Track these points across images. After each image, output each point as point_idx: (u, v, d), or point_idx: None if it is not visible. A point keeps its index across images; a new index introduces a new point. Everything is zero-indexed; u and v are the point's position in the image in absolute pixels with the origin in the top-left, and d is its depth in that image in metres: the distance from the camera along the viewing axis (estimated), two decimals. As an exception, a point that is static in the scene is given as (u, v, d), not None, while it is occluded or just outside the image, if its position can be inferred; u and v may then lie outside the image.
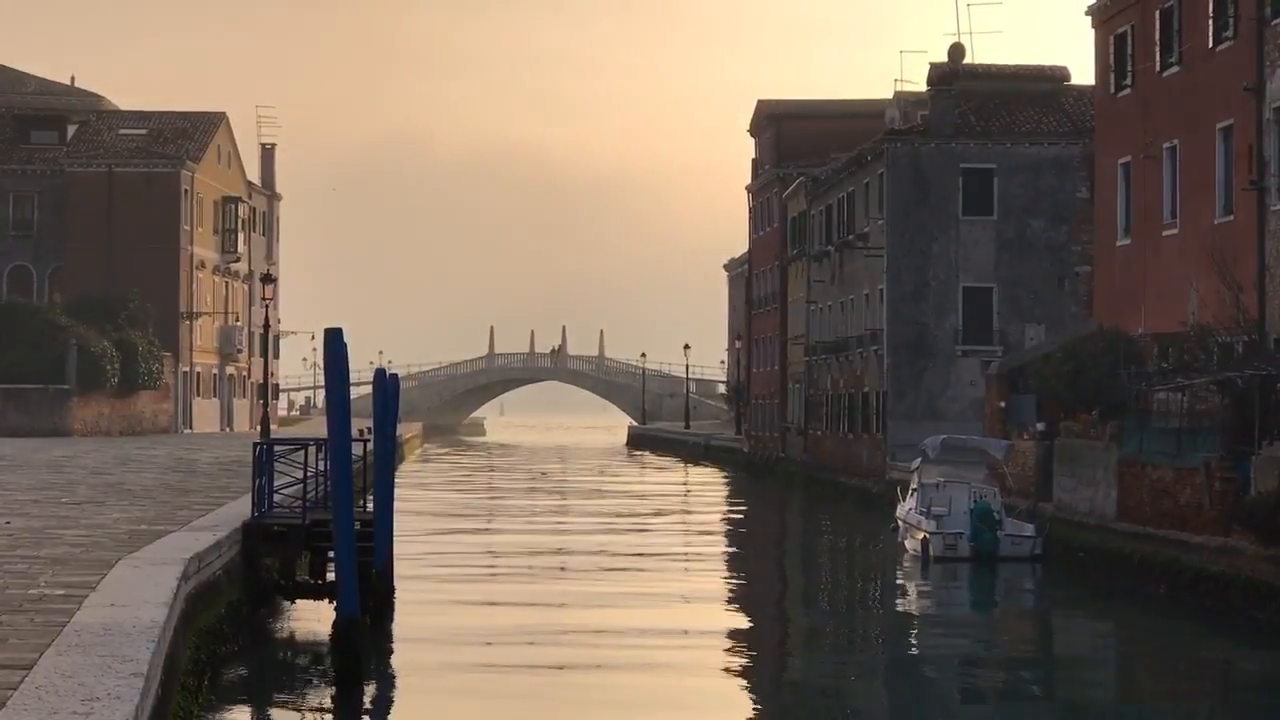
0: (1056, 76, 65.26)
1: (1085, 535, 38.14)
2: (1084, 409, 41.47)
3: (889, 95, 73.56)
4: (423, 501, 58.87)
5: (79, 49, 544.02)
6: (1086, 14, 48.25)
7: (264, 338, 75.17)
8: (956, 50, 66.85)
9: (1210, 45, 40.30)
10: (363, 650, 21.88)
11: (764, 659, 27.54)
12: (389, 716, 21.63)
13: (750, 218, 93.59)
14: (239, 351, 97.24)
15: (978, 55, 67.47)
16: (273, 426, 69.06)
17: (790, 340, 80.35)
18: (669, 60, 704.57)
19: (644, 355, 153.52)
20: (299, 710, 21.40)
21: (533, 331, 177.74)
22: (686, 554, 44.77)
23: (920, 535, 40.53)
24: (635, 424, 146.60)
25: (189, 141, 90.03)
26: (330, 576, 26.15)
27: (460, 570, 38.21)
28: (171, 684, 15.56)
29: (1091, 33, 48.25)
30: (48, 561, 19.66)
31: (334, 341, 21.45)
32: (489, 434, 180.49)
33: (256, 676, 23.31)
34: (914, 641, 30.52)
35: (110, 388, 78.13)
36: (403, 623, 28.13)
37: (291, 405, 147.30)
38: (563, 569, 39.44)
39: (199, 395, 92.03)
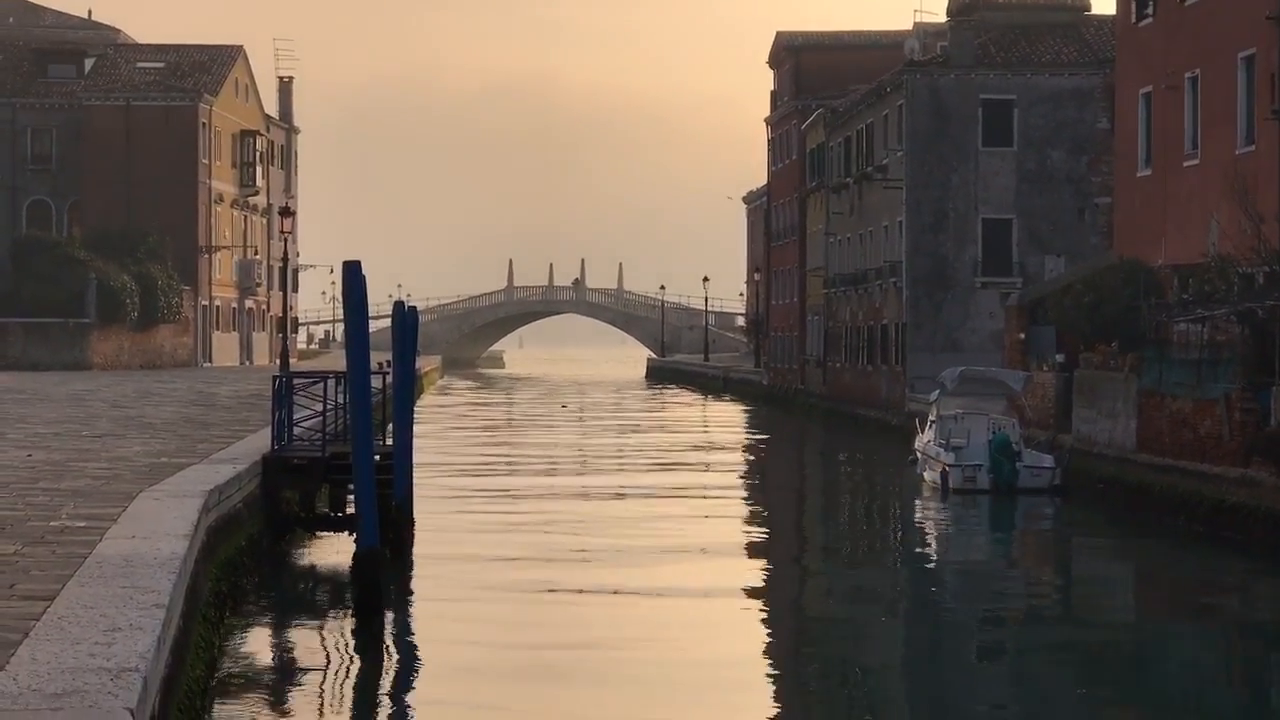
0: (1077, 6, 64.93)
1: (1104, 467, 38.13)
2: (1103, 340, 41.40)
3: (908, 26, 73.24)
4: (442, 433, 58.99)
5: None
6: (1108, -57, 47.93)
7: (283, 271, 75.18)
8: (976, -20, 66.43)
9: (1232, -26, 40.00)
10: (382, 582, 21.96)
11: (781, 593, 27.60)
12: (409, 647, 21.71)
13: (769, 150, 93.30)
14: (258, 285, 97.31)
15: (998, -15, 67.09)
16: (292, 360, 69.15)
17: (809, 272, 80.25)
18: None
19: (663, 288, 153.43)
20: (319, 641, 21.50)
21: (551, 264, 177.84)
22: (705, 486, 44.78)
23: (939, 467, 40.53)
24: (654, 356, 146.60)
25: (207, 75, 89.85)
26: (350, 509, 26.25)
27: (480, 502, 38.30)
28: (192, 615, 15.64)
29: (1113, -38, 47.94)
30: (69, 494, 19.74)
31: (352, 275, 21.42)
32: (508, 367, 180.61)
33: (277, 608, 23.42)
34: (932, 575, 30.55)
35: (130, 321, 78.32)
36: (422, 554, 28.21)
37: (310, 339, 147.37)
38: (582, 499, 39.48)
39: (218, 329, 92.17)
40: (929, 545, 34.41)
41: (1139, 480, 35.81)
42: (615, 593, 25.65)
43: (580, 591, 25.53)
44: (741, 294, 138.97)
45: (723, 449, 57.44)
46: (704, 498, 41.26)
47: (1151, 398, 36.59)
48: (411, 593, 25.44)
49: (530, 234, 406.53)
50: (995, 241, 59.87)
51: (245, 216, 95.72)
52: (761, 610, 25.23)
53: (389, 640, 21.60)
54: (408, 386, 28.54)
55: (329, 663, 20.18)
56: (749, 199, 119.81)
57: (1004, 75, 60.22)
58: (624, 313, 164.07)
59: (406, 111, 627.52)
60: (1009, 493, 39.14)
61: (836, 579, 29.28)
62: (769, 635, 23.13)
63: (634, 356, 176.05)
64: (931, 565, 31.49)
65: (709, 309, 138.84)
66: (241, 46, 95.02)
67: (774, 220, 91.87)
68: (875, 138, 65.88)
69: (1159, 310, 38.80)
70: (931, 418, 43.11)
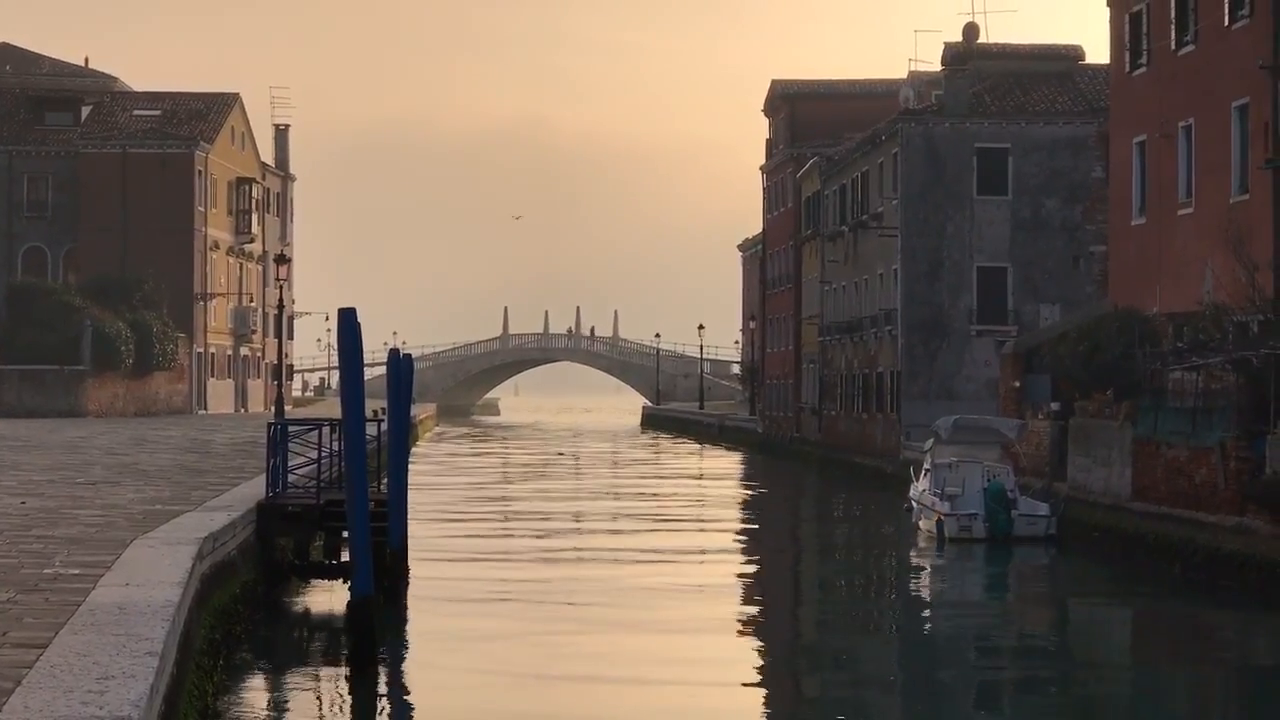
0: (1071, 55, 65.13)
1: (1099, 515, 38.09)
2: (1099, 389, 41.40)
3: (903, 75, 73.49)
4: (436, 483, 58.92)
5: (92, 30, 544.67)
6: (1101, -8, 48.07)
7: (278, 318, 75.31)
8: (971, 30, 66.75)
9: (1226, 23, 40.16)
10: (377, 630, 21.90)
11: (777, 641, 27.54)
12: (403, 696, 21.65)
13: (764, 198, 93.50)
14: (253, 332, 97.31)
15: (992, 34, 67.45)
16: (287, 407, 69.09)
17: (804, 320, 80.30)
18: (683, 40, 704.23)
19: (658, 335, 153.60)
20: (313, 690, 21.44)
21: (547, 312, 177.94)
22: (702, 533, 44.74)
23: (935, 516, 40.48)
24: (650, 404, 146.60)
25: (203, 122, 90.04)
26: (345, 556, 26.20)
27: (474, 550, 38.24)
28: (186, 663, 15.59)
29: (1106, 11, 48.11)
30: (63, 541, 19.69)
31: (348, 322, 21.43)
32: (503, 414, 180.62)
33: (271, 656, 23.35)
34: (928, 624, 30.49)
35: (125, 368, 78.25)
36: (417, 602, 28.16)
37: (306, 386, 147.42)
38: (577, 550, 39.44)
39: (213, 376, 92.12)
40: (925, 599, 34.30)
41: (1134, 528, 35.75)
42: (611, 647, 25.59)
43: (574, 645, 25.44)
44: (737, 342, 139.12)
45: (718, 496, 57.37)
46: (700, 552, 41.17)
47: (1146, 446, 36.58)
48: (406, 641, 25.38)
49: (526, 281, 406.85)
50: (990, 290, 59.94)
51: (241, 264, 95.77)
52: (758, 666, 25.15)
53: (383, 689, 21.53)
54: (403, 434, 28.53)
55: (323, 711, 20.13)
56: (744, 247, 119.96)
57: (998, 124, 60.40)
58: (620, 360, 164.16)
59: (402, 159, 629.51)
60: (1004, 541, 39.07)
61: (833, 634, 29.21)
62: (766, 692, 23.06)
63: (629, 404, 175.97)
64: (928, 620, 31.40)
65: (704, 357, 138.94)
66: (238, 94, 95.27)
67: (769, 268, 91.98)
68: (870, 186, 66.02)
69: (1154, 358, 38.83)
70: (926, 466, 43.06)
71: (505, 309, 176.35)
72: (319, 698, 20.94)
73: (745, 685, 22.70)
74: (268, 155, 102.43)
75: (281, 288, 71.65)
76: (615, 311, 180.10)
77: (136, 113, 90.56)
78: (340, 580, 26.44)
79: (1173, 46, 43.29)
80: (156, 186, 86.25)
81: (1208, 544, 32.08)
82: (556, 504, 52.33)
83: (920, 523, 42.33)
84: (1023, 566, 37.50)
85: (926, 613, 31.71)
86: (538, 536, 41.78)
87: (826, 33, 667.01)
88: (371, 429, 27.45)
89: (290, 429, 28.45)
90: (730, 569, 36.62)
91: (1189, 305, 40.57)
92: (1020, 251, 59.85)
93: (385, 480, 28.96)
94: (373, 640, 21.64)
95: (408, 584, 28.66)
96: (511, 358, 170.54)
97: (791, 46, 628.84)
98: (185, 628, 15.53)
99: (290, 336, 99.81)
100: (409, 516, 29.46)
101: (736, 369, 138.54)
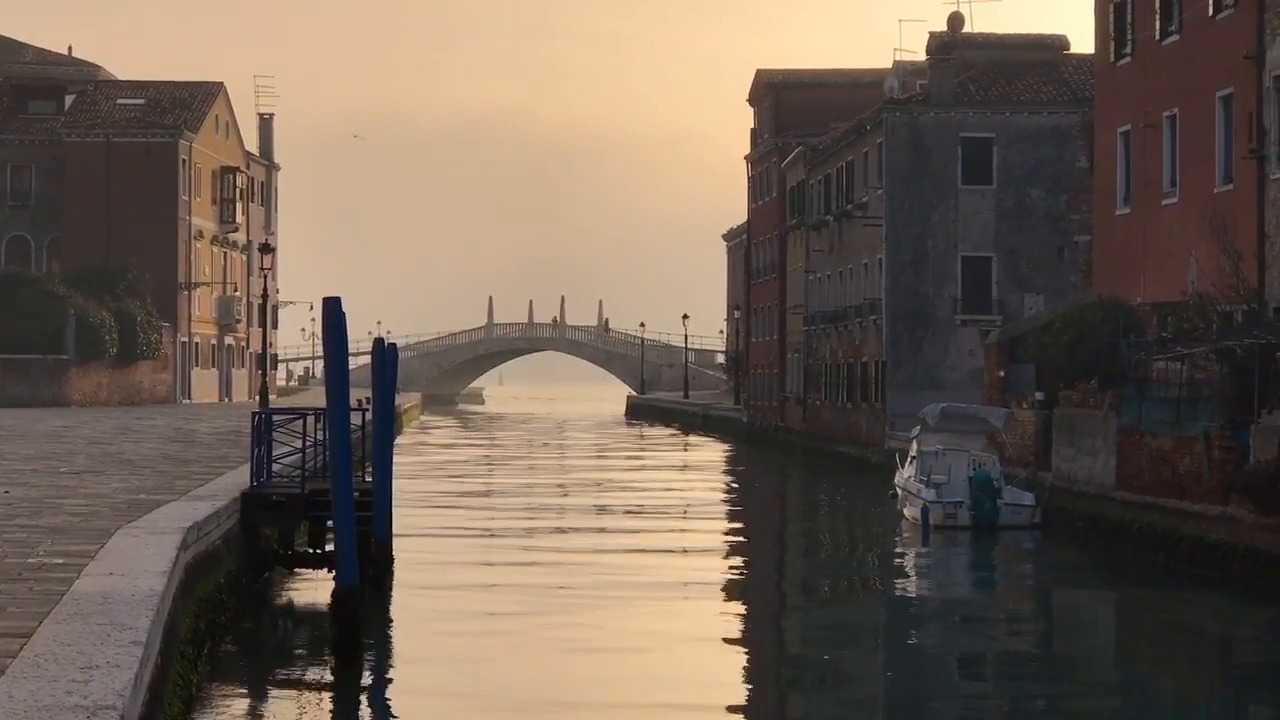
0: (1055, 45, 65.15)
1: (1084, 504, 38.16)
2: (1083, 378, 41.46)
3: (888, 64, 73.47)
4: (422, 472, 58.89)
5: (76, 18, 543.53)
6: (1086, -18, 48.07)
7: (262, 308, 75.19)
8: (955, 19, 66.81)
9: (1210, 13, 40.18)
10: (361, 620, 21.89)
11: (762, 627, 27.56)
12: (388, 686, 21.64)
13: (749, 187, 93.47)
14: (237, 322, 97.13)
15: (977, 24, 67.72)
16: (271, 396, 68.99)
17: (789, 310, 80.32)
18: (668, 29, 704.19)
19: (643, 325, 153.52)
20: (298, 680, 21.42)
21: (531, 301, 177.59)
22: (685, 526, 44.76)
23: (920, 503, 40.53)
24: (634, 394, 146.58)
25: (187, 111, 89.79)
26: (329, 546, 26.18)
27: (459, 540, 38.23)
28: (170, 653, 15.56)
29: (1091, 1, 48.12)
30: (47, 530, 19.65)
31: (332, 311, 21.40)
32: (488, 404, 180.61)
33: (255, 646, 23.34)
34: (913, 611, 30.51)
35: (109, 358, 78.04)
36: (401, 592, 28.15)
37: (290, 375, 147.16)
38: (562, 542, 39.43)
39: (198, 365, 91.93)
40: (910, 585, 34.35)
41: (1119, 518, 35.83)
42: (596, 634, 25.60)
43: (559, 638, 25.44)
44: (721, 331, 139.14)
45: (702, 487, 57.40)
46: (684, 542, 41.17)
47: (1131, 435, 36.63)
48: (391, 631, 25.37)
49: (510, 271, 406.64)
50: (975, 279, 59.99)
51: (225, 253, 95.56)
52: (742, 653, 25.18)
53: (368, 679, 21.52)
54: (387, 423, 28.51)
55: (307, 701, 20.10)
56: (729, 236, 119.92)
57: (983, 113, 60.42)
58: (604, 350, 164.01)
59: (386, 148, 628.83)
60: (990, 529, 39.14)
61: (818, 620, 29.22)
62: (749, 681, 23.08)
63: (614, 394, 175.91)
64: (913, 607, 31.42)
65: (689, 346, 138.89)
66: (222, 83, 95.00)
67: (754, 257, 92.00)
68: (855, 175, 66.02)
69: (1138, 348, 38.88)
70: (912, 454, 43.12)
71: (490, 298, 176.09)
72: (303, 688, 20.92)
73: (729, 688, 22.69)
74: (252, 144, 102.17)
75: (266, 277, 71.59)
76: (600, 301, 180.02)
77: (120, 102, 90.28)
78: (325, 570, 26.42)
79: (1157, 37, 43.32)
80: (140, 175, 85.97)
81: (1192, 533, 32.15)
82: (541, 496, 52.32)
83: (905, 510, 42.39)
84: (1008, 555, 37.54)
85: (911, 605, 31.71)
86: (522, 529, 41.78)
87: (811, 22, 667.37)
88: (356, 418, 27.42)
89: (274, 418, 28.42)
90: (713, 563, 36.62)
91: (1173, 295, 40.62)
92: (1005, 241, 59.91)
93: (370, 470, 28.93)
94: (357, 630, 21.63)
95: (392, 573, 28.64)
96: (496, 347, 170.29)
97: (776, 36, 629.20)
98: (169, 617, 15.51)
99: (274, 326, 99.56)
100: (393, 505, 29.41)
101: (721, 358, 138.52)
